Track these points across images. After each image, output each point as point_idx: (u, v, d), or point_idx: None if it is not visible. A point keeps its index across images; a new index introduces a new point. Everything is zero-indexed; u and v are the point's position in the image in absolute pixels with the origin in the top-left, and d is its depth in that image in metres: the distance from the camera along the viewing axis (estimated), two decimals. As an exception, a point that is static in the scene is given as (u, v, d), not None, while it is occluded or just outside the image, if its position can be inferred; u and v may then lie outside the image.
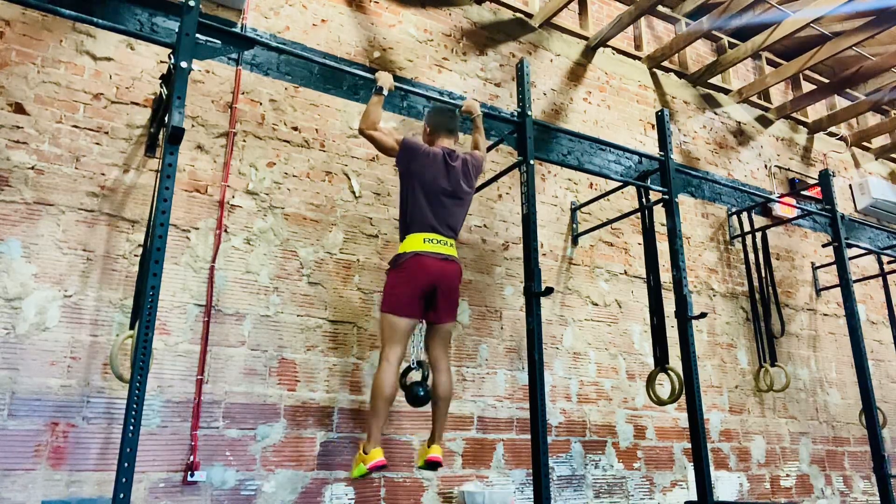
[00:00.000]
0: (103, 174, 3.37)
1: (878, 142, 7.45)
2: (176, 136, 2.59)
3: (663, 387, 4.38)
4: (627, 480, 4.42)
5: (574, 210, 4.88)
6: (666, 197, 4.16)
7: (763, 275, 5.59)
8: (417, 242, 3.16)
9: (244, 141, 3.78)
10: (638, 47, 5.91)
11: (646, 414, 4.66)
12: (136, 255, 3.29)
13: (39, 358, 3.00)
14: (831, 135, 7.08)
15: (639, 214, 4.71)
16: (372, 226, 4.04)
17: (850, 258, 5.27)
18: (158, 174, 2.64)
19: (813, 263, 6.20)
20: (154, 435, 3.11)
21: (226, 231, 3.58)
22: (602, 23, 5.66)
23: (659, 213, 4.67)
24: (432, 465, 3.22)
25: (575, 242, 4.82)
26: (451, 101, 3.80)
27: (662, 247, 4.50)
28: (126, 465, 2.23)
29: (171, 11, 3.71)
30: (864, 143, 7.26)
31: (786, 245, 6.10)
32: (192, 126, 3.63)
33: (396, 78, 3.95)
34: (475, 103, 3.69)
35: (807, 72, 6.47)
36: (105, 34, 3.54)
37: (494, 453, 3.98)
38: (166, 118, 2.72)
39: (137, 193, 3.42)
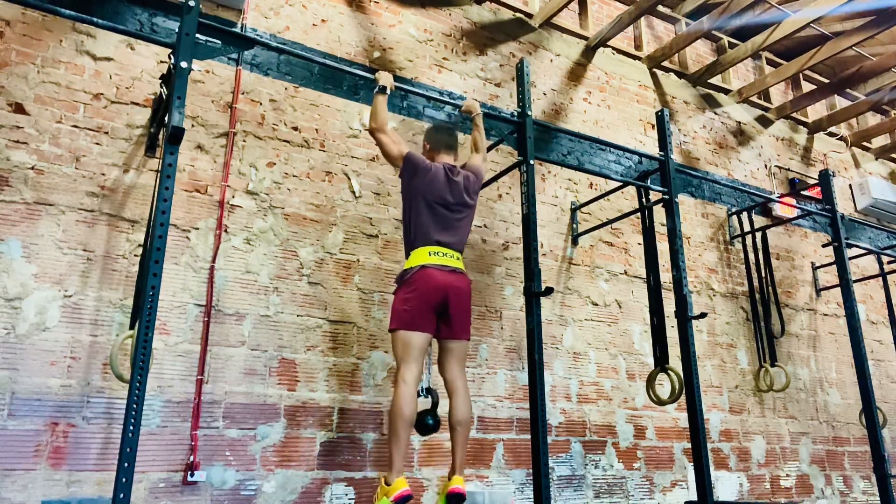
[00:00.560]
0: (103, 174, 3.37)
1: (878, 142, 7.45)
2: (176, 136, 2.59)
3: (663, 387, 4.38)
4: (627, 480, 4.42)
5: (574, 210, 4.88)
6: (666, 197, 4.16)
7: (763, 275, 5.59)
8: (423, 256, 3.11)
9: (244, 141, 3.78)
10: (638, 47, 5.91)
11: (646, 414, 4.66)
12: (136, 255, 3.29)
13: (39, 358, 3.00)
14: (831, 135, 7.08)
15: (639, 214, 4.71)
16: (372, 226, 4.04)
17: (850, 258, 5.27)
18: (158, 174, 2.64)
19: (813, 263, 6.20)
20: (154, 435, 3.11)
21: (226, 231, 3.58)
22: (602, 23, 5.66)
23: (659, 213, 4.67)
24: (455, 497, 2.94)
25: (575, 242, 4.82)
26: (451, 100, 3.80)
27: (662, 247, 4.50)
28: (126, 465, 2.23)
29: (171, 11, 3.71)
30: (864, 143, 7.26)
31: (786, 245, 6.10)
32: (192, 126, 3.63)
33: (396, 78, 3.95)
34: (475, 103, 3.69)
35: (807, 72, 6.47)
36: (105, 34, 3.54)
37: (494, 453, 3.98)
38: (166, 118, 2.72)
39: (137, 193, 3.42)
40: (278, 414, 3.43)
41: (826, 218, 5.37)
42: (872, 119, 7.42)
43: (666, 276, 4.42)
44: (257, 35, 3.91)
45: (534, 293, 3.32)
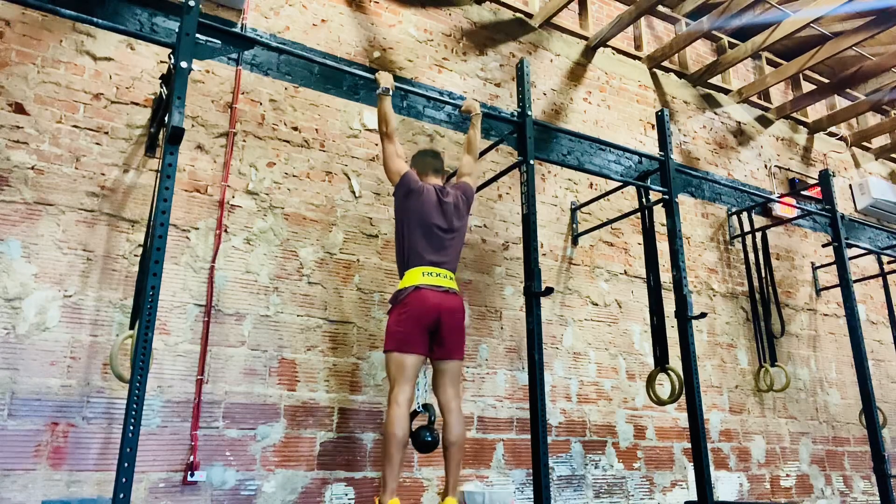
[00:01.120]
0: (103, 174, 3.37)
1: (878, 142, 7.45)
2: (176, 136, 2.59)
3: (663, 387, 4.38)
4: (627, 480, 4.42)
5: (574, 210, 4.88)
6: (666, 197, 4.16)
7: (763, 275, 5.59)
8: (416, 276, 3.11)
9: (244, 141, 3.78)
10: (638, 47, 5.91)
11: (646, 414, 4.66)
12: (136, 255, 3.29)
13: (39, 358, 3.00)
14: (831, 135, 7.08)
15: (639, 214, 4.71)
16: (372, 226, 4.04)
17: (850, 258, 5.27)
18: (158, 174, 2.64)
19: (813, 263, 6.20)
20: (154, 435, 3.11)
21: (226, 231, 3.58)
22: (602, 23, 5.66)
23: (659, 213, 4.67)
24: None
25: (575, 242, 4.82)
26: (451, 100, 3.80)
27: (662, 247, 4.50)
28: (126, 465, 2.23)
29: (171, 11, 3.71)
30: (864, 143, 7.26)
31: (786, 245, 6.10)
32: (192, 126, 3.63)
33: (396, 78, 3.95)
34: (475, 103, 3.69)
35: (807, 72, 6.46)
36: (105, 34, 3.54)
37: (494, 453, 3.98)
38: (166, 118, 2.72)
39: (137, 193, 3.42)
40: (278, 414, 3.43)
41: (826, 218, 5.37)
42: (872, 119, 7.42)
43: (666, 276, 4.41)
44: (257, 35, 3.91)
45: (534, 293, 3.32)
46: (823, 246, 5.92)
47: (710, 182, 5.35)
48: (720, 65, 5.96)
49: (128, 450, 2.25)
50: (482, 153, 4.03)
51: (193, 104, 3.65)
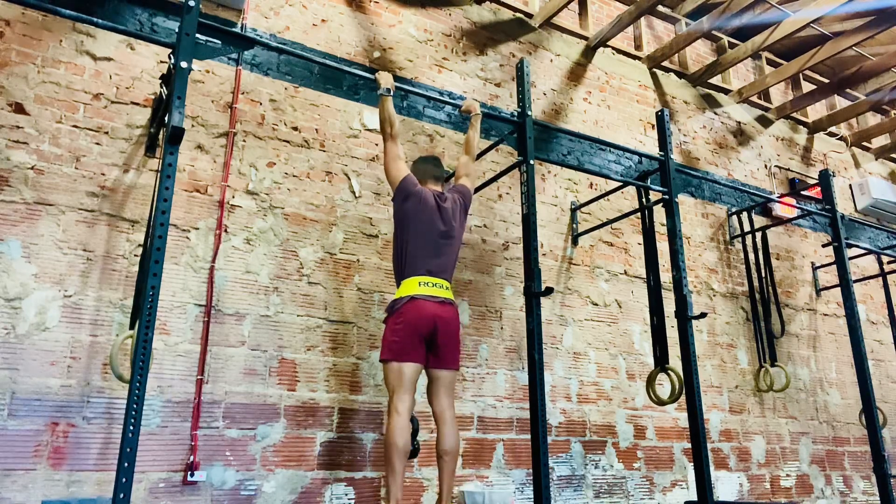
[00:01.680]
0: (103, 174, 3.37)
1: (878, 142, 7.45)
2: (176, 136, 2.59)
3: (663, 387, 4.38)
4: (627, 480, 4.42)
5: (574, 210, 4.88)
6: (666, 197, 4.16)
7: (763, 275, 5.59)
8: (413, 286, 3.12)
9: (244, 141, 3.78)
10: (638, 47, 5.91)
11: (646, 414, 4.66)
12: (136, 255, 3.29)
13: (39, 358, 3.00)
14: (831, 135, 7.08)
15: (639, 214, 4.71)
16: (372, 226, 4.04)
17: (850, 258, 5.27)
18: (158, 174, 2.64)
19: (813, 263, 6.20)
20: (154, 435, 3.11)
21: (226, 231, 3.58)
22: (602, 23, 5.66)
23: (659, 213, 4.67)
24: None
25: (575, 242, 4.82)
26: (451, 100, 3.80)
27: (662, 247, 4.50)
28: (126, 465, 2.23)
29: (171, 11, 3.71)
30: (864, 143, 7.26)
31: (786, 245, 6.10)
32: (192, 126, 3.63)
33: (396, 78, 3.96)
34: (475, 103, 3.69)
35: (807, 72, 6.47)
36: (105, 34, 3.54)
37: (494, 453, 3.98)
38: (166, 118, 2.72)
39: (137, 193, 3.42)
40: (278, 414, 3.43)
41: (826, 218, 5.37)
42: (872, 119, 7.42)
43: (666, 276, 4.41)
44: (257, 35, 3.91)
45: (534, 293, 3.32)
46: (823, 246, 5.93)
47: (710, 182, 5.35)
48: (720, 65, 5.96)
49: (128, 450, 2.25)
50: (482, 153, 4.03)
51: (193, 104, 3.65)
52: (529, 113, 3.71)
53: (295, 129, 3.96)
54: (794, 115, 6.71)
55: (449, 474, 3.04)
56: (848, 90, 7.03)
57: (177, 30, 2.85)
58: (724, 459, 4.90)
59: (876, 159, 7.40)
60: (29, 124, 3.26)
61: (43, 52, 3.39)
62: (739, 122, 6.31)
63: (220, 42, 2.94)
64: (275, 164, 3.83)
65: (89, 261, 3.22)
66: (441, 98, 3.77)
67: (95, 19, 2.86)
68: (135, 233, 3.34)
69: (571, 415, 4.36)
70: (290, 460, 3.39)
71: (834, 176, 5.51)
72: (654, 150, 4.80)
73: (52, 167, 3.25)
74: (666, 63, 5.94)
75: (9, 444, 2.85)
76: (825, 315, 6.08)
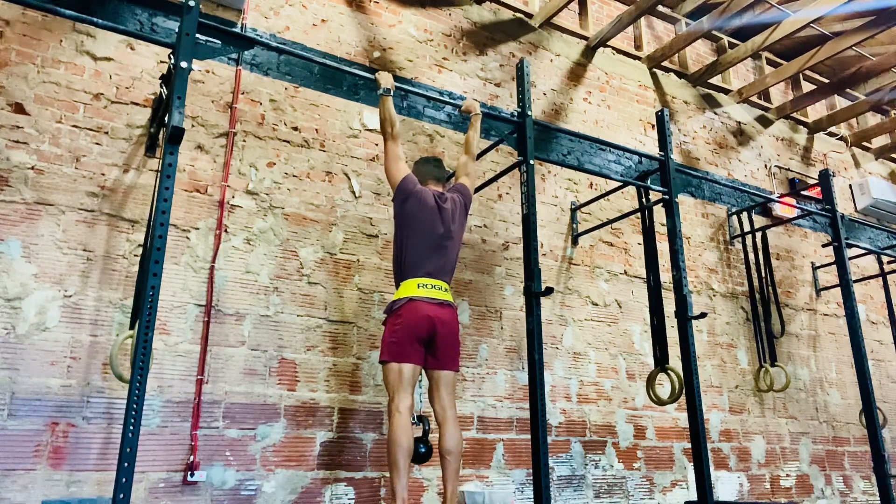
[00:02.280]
0: (103, 174, 3.37)
1: (878, 142, 7.45)
2: (176, 136, 2.59)
3: (663, 387, 4.38)
4: (627, 480, 4.42)
5: (574, 210, 4.88)
6: (666, 197, 4.16)
7: (763, 275, 5.59)
8: (412, 288, 3.12)
9: (244, 141, 3.78)
10: (638, 47, 5.91)
11: (646, 414, 4.66)
12: (136, 255, 3.29)
13: (39, 358, 3.00)
14: (831, 135, 7.08)
15: (639, 214, 4.71)
16: (372, 226, 4.04)
17: (850, 258, 5.26)
18: (158, 174, 2.64)
19: (813, 263, 6.20)
20: (154, 435, 3.11)
21: (226, 231, 3.58)
22: (602, 23, 5.66)
23: (659, 213, 4.67)
24: None
25: (575, 242, 4.82)
26: (451, 100, 3.80)
27: (662, 247, 4.50)
28: (126, 465, 2.23)
29: (171, 11, 3.71)
30: (864, 143, 7.26)
31: (786, 245, 6.10)
32: (192, 126, 3.63)
33: (396, 78, 3.95)
34: (475, 103, 3.69)
35: (807, 72, 6.47)
36: (105, 34, 3.54)
37: (494, 453, 3.98)
38: (166, 118, 2.72)
39: (137, 193, 3.42)
40: (278, 414, 3.43)
41: (826, 218, 5.36)
42: (872, 119, 7.42)
43: (666, 276, 4.41)
44: (257, 35, 3.91)
45: (534, 293, 3.32)
46: (823, 246, 5.93)
47: (710, 182, 5.35)
48: (720, 65, 5.96)
49: (128, 450, 2.25)
50: (482, 153, 4.03)
51: (193, 104, 3.65)
52: (529, 113, 3.71)
53: (295, 129, 3.96)
54: (794, 115, 6.71)
55: (453, 474, 3.04)
56: (848, 90, 7.03)
57: (177, 30, 2.86)
58: (724, 459, 4.90)
59: (876, 159, 7.40)
60: (29, 124, 3.26)
61: (43, 52, 3.39)
62: (739, 122, 6.31)
63: (220, 42, 2.94)
64: (275, 164, 3.83)
65: (89, 261, 3.22)
66: (441, 98, 3.77)
67: (95, 19, 2.86)
68: (135, 233, 3.34)
69: (571, 415, 4.36)
70: (290, 460, 3.39)
71: (834, 176, 5.51)
72: (654, 150, 4.80)
73: (52, 167, 3.25)
74: (666, 63, 5.94)
75: (9, 444, 2.85)
76: (825, 315, 6.08)
